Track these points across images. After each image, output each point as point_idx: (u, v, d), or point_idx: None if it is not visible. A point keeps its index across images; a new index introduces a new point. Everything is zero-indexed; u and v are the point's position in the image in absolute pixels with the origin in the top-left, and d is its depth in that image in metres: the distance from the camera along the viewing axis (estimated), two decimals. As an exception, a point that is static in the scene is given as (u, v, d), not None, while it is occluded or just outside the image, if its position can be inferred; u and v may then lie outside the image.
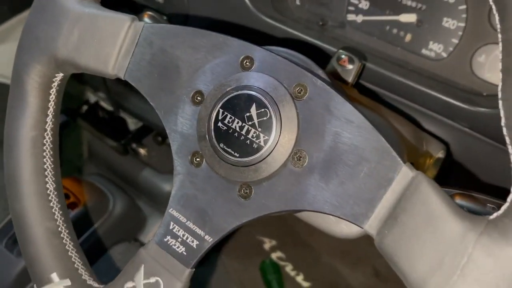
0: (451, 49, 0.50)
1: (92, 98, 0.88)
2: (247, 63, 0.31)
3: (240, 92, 0.31)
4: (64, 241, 0.35)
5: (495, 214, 0.23)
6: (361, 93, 0.43)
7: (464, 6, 0.49)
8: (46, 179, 0.35)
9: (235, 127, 0.31)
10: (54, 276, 0.34)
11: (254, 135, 0.30)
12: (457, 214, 0.24)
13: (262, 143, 0.30)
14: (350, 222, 0.27)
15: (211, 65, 0.32)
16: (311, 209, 0.29)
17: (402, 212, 0.25)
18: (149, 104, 0.34)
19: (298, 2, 0.58)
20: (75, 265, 0.35)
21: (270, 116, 0.30)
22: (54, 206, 0.35)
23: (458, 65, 0.50)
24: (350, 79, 0.42)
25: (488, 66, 0.48)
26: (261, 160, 0.30)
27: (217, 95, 0.31)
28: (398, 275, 0.26)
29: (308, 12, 0.56)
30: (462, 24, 0.49)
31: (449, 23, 0.51)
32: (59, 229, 0.35)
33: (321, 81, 0.29)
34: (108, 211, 0.75)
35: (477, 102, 0.45)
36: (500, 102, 0.23)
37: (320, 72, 0.33)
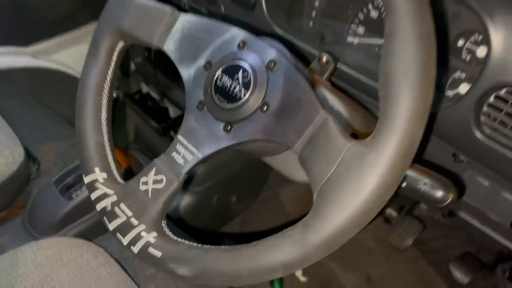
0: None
1: (144, 88, 1.08)
2: (242, 45, 0.47)
3: (233, 63, 0.46)
4: (107, 151, 0.52)
5: (366, 139, 0.37)
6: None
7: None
8: (101, 110, 0.52)
9: (227, 84, 0.46)
10: (97, 169, 0.50)
11: (238, 90, 0.45)
12: (344, 136, 0.38)
13: (242, 95, 0.45)
14: (285, 145, 0.41)
15: (218, 44, 0.48)
16: (266, 138, 0.43)
17: (315, 137, 0.39)
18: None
19: (311, 24, 0.74)
20: (111, 167, 0.51)
21: (250, 79, 0.45)
22: (104, 127, 0.52)
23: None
24: (325, 75, 0.57)
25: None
26: (240, 107, 0.45)
27: (219, 64, 0.47)
28: (307, 176, 0.39)
29: (313, 30, 0.72)
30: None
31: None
32: (104, 143, 0.52)
33: (286, 60, 0.44)
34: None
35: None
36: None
37: (289, 56, 0.48)
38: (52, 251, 0.71)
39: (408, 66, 0.35)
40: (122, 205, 0.48)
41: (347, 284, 1.13)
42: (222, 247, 0.42)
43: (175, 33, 0.50)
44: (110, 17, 0.52)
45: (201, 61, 0.49)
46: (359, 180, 0.35)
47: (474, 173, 0.60)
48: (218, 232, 1.15)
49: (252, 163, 1.03)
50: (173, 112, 1.05)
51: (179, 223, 1.04)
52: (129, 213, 0.47)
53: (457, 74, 0.60)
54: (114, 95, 0.83)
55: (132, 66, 1.20)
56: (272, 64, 0.45)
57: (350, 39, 0.71)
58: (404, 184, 0.45)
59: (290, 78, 0.43)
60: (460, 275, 0.98)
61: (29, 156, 0.96)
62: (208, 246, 0.43)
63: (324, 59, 0.58)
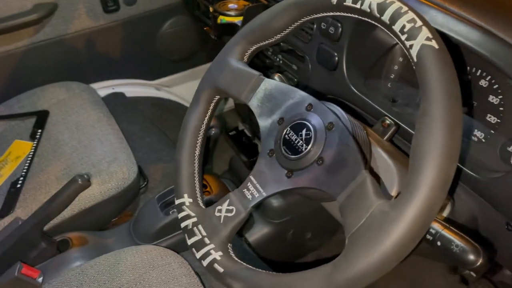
0: (488, 136, 0.67)
1: (240, 126, 1.22)
2: (309, 107, 0.57)
3: (300, 121, 0.56)
4: (195, 181, 0.65)
5: (392, 200, 0.44)
6: (395, 146, 0.65)
7: (501, 108, 0.66)
8: (196, 147, 0.66)
9: (293, 138, 0.56)
10: (185, 195, 0.64)
11: (301, 144, 0.55)
12: (376, 194, 0.45)
13: (303, 149, 0.55)
14: (331, 194, 0.50)
15: (290, 105, 0.58)
16: (318, 186, 0.52)
17: (354, 192, 0.47)
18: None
19: (389, 85, 0.81)
20: (196, 194, 0.64)
21: (311, 136, 0.55)
22: (196, 161, 0.65)
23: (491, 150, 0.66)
24: (386, 136, 0.64)
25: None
26: (301, 158, 0.55)
27: (289, 121, 0.58)
28: (343, 224, 0.47)
29: (387, 93, 0.79)
30: (499, 120, 0.66)
31: (490, 118, 0.68)
32: (195, 174, 0.65)
33: (342, 124, 0.53)
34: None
35: (488, 175, 0.62)
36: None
37: (346, 120, 0.57)
38: (147, 256, 0.86)
39: (432, 144, 0.42)
40: (200, 226, 0.60)
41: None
42: (270, 272, 0.51)
43: (259, 93, 0.61)
44: (211, 75, 0.66)
45: (276, 117, 0.59)
46: (381, 234, 0.42)
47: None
48: (288, 264, 1.22)
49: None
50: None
51: (256, 251, 1.14)
52: (204, 233, 0.58)
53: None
54: (213, 131, 0.98)
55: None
56: (330, 125, 0.54)
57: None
58: (439, 243, 0.51)
59: (343, 140, 0.52)
60: None
61: (141, 173, 1.13)
62: (259, 269, 0.52)
63: (387, 121, 0.65)
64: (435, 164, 0.41)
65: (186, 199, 0.63)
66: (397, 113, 0.73)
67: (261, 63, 1.02)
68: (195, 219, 0.61)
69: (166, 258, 0.86)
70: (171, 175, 1.19)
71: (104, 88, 1.47)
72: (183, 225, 0.62)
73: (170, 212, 0.97)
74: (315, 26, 0.83)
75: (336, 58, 0.79)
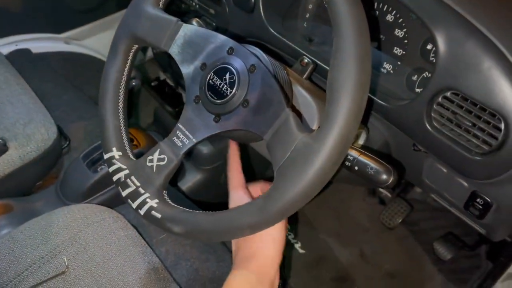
0: (396, 68, 0.73)
1: (161, 76, 1.20)
2: (230, 51, 0.58)
3: (222, 65, 0.57)
4: (122, 133, 0.64)
5: (313, 132, 0.47)
6: (313, 83, 0.68)
7: (406, 41, 0.72)
8: (119, 99, 0.64)
9: (217, 83, 0.57)
10: (114, 148, 0.63)
11: (225, 89, 0.56)
12: (299, 128, 0.48)
13: (228, 93, 0.56)
14: (258, 134, 0.53)
15: (212, 49, 0.59)
16: (245, 128, 0.54)
17: (279, 129, 0.50)
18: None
19: (305, 25, 0.84)
20: (125, 147, 0.64)
21: (235, 79, 0.56)
22: (120, 114, 0.64)
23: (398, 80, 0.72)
24: (304, 74, 0.67)
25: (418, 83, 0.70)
26: (227, 102, 0.56)
27: (212, 66, 0.58)
28: (271, 159, 0.50)
29: (304, 32, 0.81)
30: (404, 52, 0.72)
31: (397, 50, 0.73)
32: (121, 126, 0.64)
33: (263, 65, 0.55)
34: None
35: (396, 103, 0.68)
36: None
37: (267, 61, 0.59)
38: (80, 215, 0.84)
39: (346, 78, 0.45)
40: (133, 177, 0.60)
41: (342, 259, 1.24)
42: (207, 212, 0.54)
43: (178, 39, 0.61)
44: (127, 24, 0.64)
45: (198, 63, 0.60)
46: (305, 164, 0.46)
47: (433, 160, 0.69)
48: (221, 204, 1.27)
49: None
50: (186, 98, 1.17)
51: (190, 198, 1.16)
52: (138, 184, 0.59)
53: (425, 74, 0.69)
54: (134, 83, 0.95)
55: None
56: (253, 68, 0.55)
57: (338, 39, 0.80)
58: (356, 168, 0.56)
59: (266, 81, 0.54)
60: (443, 252, 1.08)
61: (61, 133, 1.08)
62: (197, 211, 0.55)
63: (305, 60, 0.68)
64: (349, 95, 0.45)
65: (115, 153, 0.63)
66: (314, 51, 0.76)
67: (177, 9, 0.99)
68: (127, 171, 0.61)
69: (100, 214, 0.86)
70: (94, 133, 1.16)
71: (5, 45, 1.35)
72: (115, 178, 0.62)
73: (98, 169, 0.96)
74: (228, -33, 0.82)
75: (253, 0, 0.79)
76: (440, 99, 0.60)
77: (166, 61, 1.07)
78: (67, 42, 1.51)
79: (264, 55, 0.59)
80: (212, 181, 1.18)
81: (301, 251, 1.26)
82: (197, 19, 0.74)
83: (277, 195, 0.47)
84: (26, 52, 1.37)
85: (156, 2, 0.63)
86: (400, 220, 1.14)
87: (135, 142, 1.04)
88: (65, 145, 1.11)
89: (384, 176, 0.54)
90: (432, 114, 0.61)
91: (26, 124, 0.99)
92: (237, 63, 0.56)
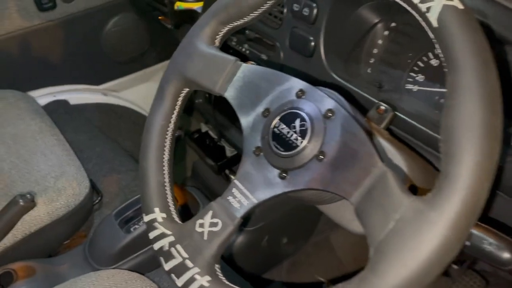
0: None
1: (203, 128, 1.12)
2: (300, 93, 0.48)
3: (291, 111, 0.48)
4: (167, 191, 0.54)
5: (427, 196, 0.36)
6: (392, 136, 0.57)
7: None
8: (164, 151, 0.55)
9: (285, 132, 0.47)
10: (157, 210, 0.53)
11: (295, 138, 0.46)
12: (403, 191, 0.37)
13: (299, 143, 0.46)
14: (341, 196, 0.41)
15: (277, 92, 0.49)
16: (322, 187, 0.43)
17: (373, 190, 0.39)
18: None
19: (369, 71, 0.75)
20: (170, 208, 0.53)
21: (307, 127, 0.46)
22: (165, 168, 0.55)
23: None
24: (383, 124, 0.57)
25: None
26: (296, 155, 0.46)
27: (277, 112, 0.49)
28: (364, 229, 0.39)
29: (371, 77, 0.72)
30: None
31: None
32: (165, 183, 0.54)
33: (343, 110, 0.45)
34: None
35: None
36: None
37: (347, 106, 0.49)
38: (109, 283, 0.74)
39: (471, 121, 0.34)
40: (179, 246, 0.49)
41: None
42: None
43: (237, 82, 0.52)
44: (176, 65, 0.56)
45: (260, 108, 0.50)
46: (418, 239, 0.34)
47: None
48: (268, 273, 1.14)
49: (304, 206, 1.03)
50: (229, 151, 1.08)
51: (229, 261, 1.04)
52: (185, 255, 0.48)
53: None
54: (177, 133, 0.87)
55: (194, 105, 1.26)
56: (330, 113, 0.45)
57: (409, 86, 0.70)
58: (468, 243, 0.43)
59: (347, 128, 0.44)
60: None
61: (93, 188, 1.01)
62: None
63: (383, 107, 0.58)
64: (476, 145, 0.34)
65: (158, 214, 0.52)
66: (385, 99, 0.66)
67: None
68: (172, 238, 0.50)
69: (132, 282, 0.76)
70: (128, 188, 1.08)
71: (44, 96, 1.33)
72: (157, 246, 0.51)
73: (131, 229, 0.87)
74: (285, 9, 0.75)
75: (313, 43, 0.71)
76: None
77: (209, 112, 0.99)
78: (105, 93, 1.49)
79: (342, 98, 0.49)
80: (254, 244, 1.06)
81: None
82: (252, 62, 0.66)
83: (376, 281, 0.35)
84: (63, 103, 1.35)
85: (211, 39, 0.55)
86: (474, 298, 0.97)
87: (172, 199, 0.94)
88: (97, 200, 1.04)
89: (508, 255, 0.41)
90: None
91: (57, 177, 0.92)
92: (309, 108, 0.47)
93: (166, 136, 0.55)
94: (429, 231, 0.34)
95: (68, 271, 0.85)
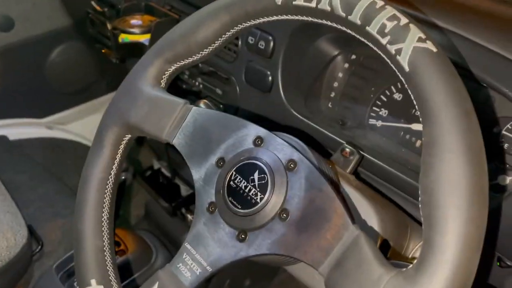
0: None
1: (156, 165, 1.04)
2: (258, 141, 0.43)
3: (248, 161, 0.42)
4: (106, 258, 0.46)
5: (404, 268, 0.31)
6: (360, 180, 0.53)
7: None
8: (103, 210, 0.48)
9: (242, 186, 0.41)
10: (93, 281, 0.45)
11: (254, 193, 0.40)
12: (380, 262, 0.32)
13: (258, 200, 0.40)
14: (308, 264, 0.36)
15: (232, 140, 0.44)
16: (286, 254, 0.38)
17: (345, 260, 0.33)
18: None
19: (330, 105, 0.70)
20: (110, 278, 0.46)
21: (267, 181, 0.40)
22: (105, 230, 0.47)
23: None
24: (349, 168, 0.52)
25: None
26: (256, 213, 0.40)
27: (233, 162, 0.43)
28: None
29: (333, 113, 0.68)
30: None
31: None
32: (104, 247, 0.46)
33: (307, 161, 0.40)
34: (150, 263, 0.85)
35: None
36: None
37: (310, 155, 0.44)
38: None
39: (454, 184, 0.29)
40: None
41: None
42: None
43: (186, 127, 0.46)
44: (117, 109, 0.49)
45: (214, 158, 0.44)
46: None
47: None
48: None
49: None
50: (184, 190, 1.00)
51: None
52: None
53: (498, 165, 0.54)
54: (122, 177, 0.80)
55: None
56: (292, 164, 0.40)
57: (372, 121, 0.66)
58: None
59: (313, 182, 0.38)
60: None
61: (33, 235, 0.92)
62: None
63: (348, 149, 0.53)
64: (464, 212, 0.29)
65: (95, 287, 0.44)
66: (349, 137, 0.62)
67: (176, 89, 0.86)
68: None
69: None
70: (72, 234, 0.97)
71: (-21, 132, 1.22)
72: None
73: (75, 284, 0.77)
74: (240, 41, 0.70)
75: (270, 78, 0.66)
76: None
77: (161, 148, 0.92)
78: (50, 127, 1.38)
79: (304, 146, 0.44)
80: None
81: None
82: (205, 100, 0.61)
83: None
84: (2, 139, 1.24)
85: (156, 80, 0.49)
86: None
87: (122, 247, 0.86)
88: (37, 249, 0.93)
89: None
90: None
91: (-11, 228, 0.82)
92: (269, 158, 0.41)
93: (106, 191, 0.48)
94: None
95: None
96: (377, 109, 0.66)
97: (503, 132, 0.54)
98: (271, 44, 0.65)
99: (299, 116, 0.64)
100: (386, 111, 0.65)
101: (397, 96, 0.64)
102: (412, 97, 0.34)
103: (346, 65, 0.69)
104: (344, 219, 0.35)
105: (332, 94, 0.70)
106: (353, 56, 0.67)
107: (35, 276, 0.92)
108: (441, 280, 0.28)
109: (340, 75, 0.69)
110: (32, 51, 1.23)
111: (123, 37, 0.83)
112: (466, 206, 0.29)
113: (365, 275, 0.32)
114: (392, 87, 0.64)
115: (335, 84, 0.70)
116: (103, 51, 0.94)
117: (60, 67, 1.29)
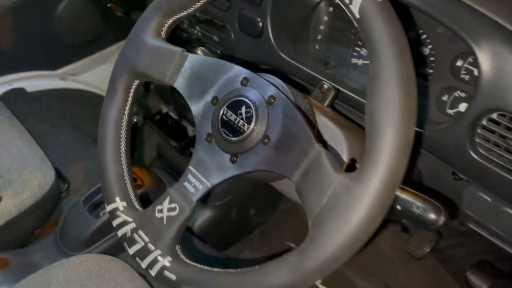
0: (424, 88, 0.66)
1: (164, 109, 1.14)
2: (245, 82, 0.51)
3: (237, 98, 0.50)
4: (126, 181, 0.57)
5: (352, 172, 0.40)
6: (337, 111, 0.61)
7: (433, 58, 0.65)
8: (120, 143, 0.57)
9: (232, 118, 0.50)
10: (117, 199, 0.56)
11: (242, 124, 0.49)
12: (335, 169, 0.41)
13: (246, 129, 0.49)
14: (284, 175, 0.45)
15: (223, 81, 0.52)
16: (267, 168, 0.47)
17: (310, 170, 0.43)
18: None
19: (317, 47, 0.78)
20: (130, 196, 0.56)
21: (252, 114, 0.49)
22: (123, 159, 0.57)
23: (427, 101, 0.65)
24: (326, 102, 0.61)
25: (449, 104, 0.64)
26: (244, 140, 0.49)
27: (224, 99, 0.51)
28: (303, 205, 0.43)
29: (318, 55, 0.75)
30: (431, 71, 0.65)
31: (424, 69, 0.66)
32: (124, 174, 0.57)
33: (284, 96, 0.48)
34: (164, 194, 0.97)
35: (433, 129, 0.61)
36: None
37: (287, 91, 0.52)
38: (82, 267, 0.77)
39: (389, 108, 0.38)
40: (140, 232, 0.52)
41: (367, 295, 1.15)
42: (230, 270, 0.46)
43: (185, 72, 0.54)
44: (125, 59, 0.57)
45: (209, 97, 0.53)
46: (347, 212, 0.39)
47: (475, 189, 0.62)
48: (239, 244, 1.19)
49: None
50: (191, 131, 1.10)
51: (201, 235, 1.08)
52: (146, 239, 0.51)
53: (457, 93, 0.62)
54: (134, 120, 0.89)
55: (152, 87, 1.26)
56: (272, 99, 0.49)
57: (354, 60, 0.74)
58: (399, 207, 0.48)
59: (288, 113, 0.47)
60: (478, 282, 0.99)
61: (60, 176, 1.02)
62: (217, 269, 0.47)
63: (325, 86, 0.62)
64: (394, 128, 0.38)
65: (119, 203, 0.55)
66: (331, 75, 0.70)
67: (177, 38, 0.93)
68: (133, 225, 0.54)
69: (105, 265, 0.78)
70: (94, 173, 1.09)
71: (-1, 85, 1.30)
72: (120, 233, 0.54)
73: (101, 213, 0.89)
74: (232, -9, 0.76)
75: (260, 24, 0.73)
76: (484, 121, 0.53)
77: (168, 93, 1.01)
78: (63, 78, 1.46)
79: (283, 84, 0.53)
80: (223, 217, 1.10)
81: (321, 287, 1.16)
82: (202, 48, 0.68)
83: (314, 252, 0.40)
84: (20, 91, 1.32)
85: (157, 32, 0.56)
86: (428, 250, 1.05)
87: (138, 182, 0.97)
88: (64, 188, 1.04)
89: (433, 216, 0.46)
90: (476, 139, 0.54)
91: (21, 169, 0.93)
92: (253, 95, 0.50)
93: (121, 128, 0.58)
94: (356, 204, 0.38)
95: (41, 260, 0.87)
96: (359, 49, 0.73)
97: (465, 65, 0.61)
98: (260, -8, 0.71)
99: (287, 58, 0.72)
100: (367, 50, 0.72)
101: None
102: (365, 40, 0.41)
103: (331, 9, 0.75)
104: (311, 140, 0.44)
105: (319, 37, 0.77)
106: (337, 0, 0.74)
107: (65, 210, 1.04)
108: (377, 178, 0.38)
109: (326, 18, 0.76)
110: (39, 6, 1.27)
111: (126, -8, 0.89)
112: (397, 124, 0.38)
113: (322, 179, 0.41)
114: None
115: (321, 27, 0.76)
116: (108, 5, 1.00)
117: (67, 20, 1.33)
